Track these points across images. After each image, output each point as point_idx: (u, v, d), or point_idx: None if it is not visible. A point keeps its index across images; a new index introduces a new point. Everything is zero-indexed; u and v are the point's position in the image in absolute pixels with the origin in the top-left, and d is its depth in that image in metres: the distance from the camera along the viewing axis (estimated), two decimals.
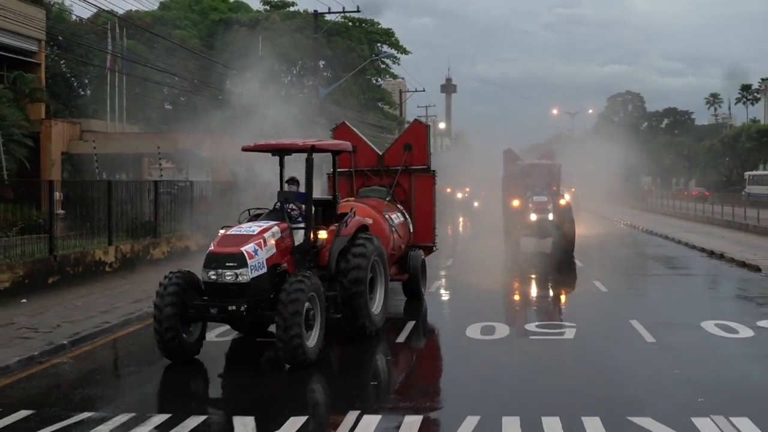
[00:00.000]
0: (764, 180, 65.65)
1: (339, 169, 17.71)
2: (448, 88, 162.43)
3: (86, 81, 50.12)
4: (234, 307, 11.72)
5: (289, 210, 13.20)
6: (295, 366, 11.30)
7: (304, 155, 13.37)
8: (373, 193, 17.75)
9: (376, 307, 13.91)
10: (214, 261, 11.89)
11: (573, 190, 39.61)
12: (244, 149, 14.28)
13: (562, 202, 27.07)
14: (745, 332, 13.57)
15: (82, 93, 50.65)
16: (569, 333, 13.87)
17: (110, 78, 40.05)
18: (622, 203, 65.93)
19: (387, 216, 16.42)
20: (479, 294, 18.47)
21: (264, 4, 52.64)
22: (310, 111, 36.92)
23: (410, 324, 14.87)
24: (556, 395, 10.07)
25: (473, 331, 13.80)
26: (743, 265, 22.87)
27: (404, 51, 55.97)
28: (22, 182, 27.03)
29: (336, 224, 13.46)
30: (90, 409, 9.76)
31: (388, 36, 54.72)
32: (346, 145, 14.91)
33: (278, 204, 13.41)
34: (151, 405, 10.12)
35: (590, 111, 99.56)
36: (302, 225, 13.03)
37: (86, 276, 19.73)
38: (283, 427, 8.77)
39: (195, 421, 9.10)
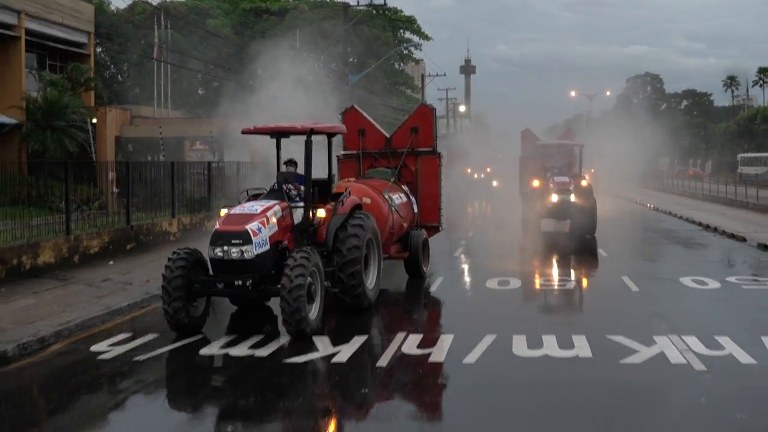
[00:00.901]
0: (754, 162, 69.87)
1: (348, 152, 19.37)
2: (468, 69, 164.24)
3: (124, 68, 53.58)
4: (240, 282, 12.61)
5: (287, 190, 14.05)
6: (297, 337, 12.24)
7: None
8: (377, 175, 18.64)
9: (371, 282, 14.85)
10: (221, 239, 12.73)
11: (592, 171, 41.24)
12: (244, 132, 15.10)
13: (584, 183, 27.24)
14: (714, 284, 16.83)
15: (120, 80, 54.13)
16: (570, 285, 17.24)
17: (153, 66, 43.55)
18: (639, 184, 68.88)
19: (387, 196, 17.18)
20: (496, 259, 21.66)
21: None
22: (340, 96, 40.17)
23: (439, 279, 18.22)
24: (554, 322, 13.40)
25: (492, 284, 17.13)
26: (732, 236, 26.08)
27: (426, 37, 59.25)
28: (86, 163, 30.49)
29: (332, 203, 14.35)
30: (200, 333, 13.14)
31: (410, 23, 57.95)
32: (342, 128, 16.12)
33: (276, 184, 14.29)
34: (246, 331, 13.45)
35: (608, 93, 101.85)
36: (301, 204, 13.90)
37: (156, 243, 23.13)
38: (350, 342, 12.09)
39: (283, 340, 12.44)
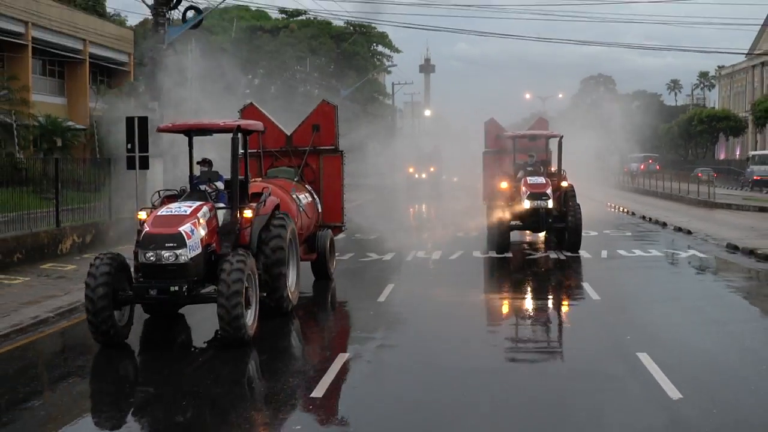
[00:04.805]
0: (635, 159, 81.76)
1: (248, 151, 18.37)
2: (427, 68, 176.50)
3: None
4: (176, 288, 12.38)
5: (206, 190, 14.09)
6: (234, 345, 12.57)
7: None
8: (281, 174, 18.71)
9: (291, 284, 15.12)
10: (153, 242, 12.43)
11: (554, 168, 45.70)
12: (160, 130, 15.79)
13: (565, 184, 24.40)
14: (593, 233, 29.47)
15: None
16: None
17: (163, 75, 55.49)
18: (588, 179, 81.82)
19: (294, 196, 17.35)
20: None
21: (281, 13, 68.06)
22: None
23: (425, 233, 30.67)
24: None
25: (459, 233, 29.68)
26: (627, 212, 39.21)
27: (396, 50, 72.15)
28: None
29: (252, 204, 14.40)
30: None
31: (382, 38, 70.63)
32: (261, 125, 16.23)
33: (193, 185, 14.45)
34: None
35: (560, 96, 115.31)
36: (221, 205, 13.96)
37: None
38: (387, 254, 24.31)
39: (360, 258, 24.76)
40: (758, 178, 58.37)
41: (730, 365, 11.97)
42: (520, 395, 10.76)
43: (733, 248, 24.46)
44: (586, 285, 18.35)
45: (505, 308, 17.42)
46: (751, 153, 70.53)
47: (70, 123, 41.20)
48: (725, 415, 9.76)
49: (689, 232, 29.25)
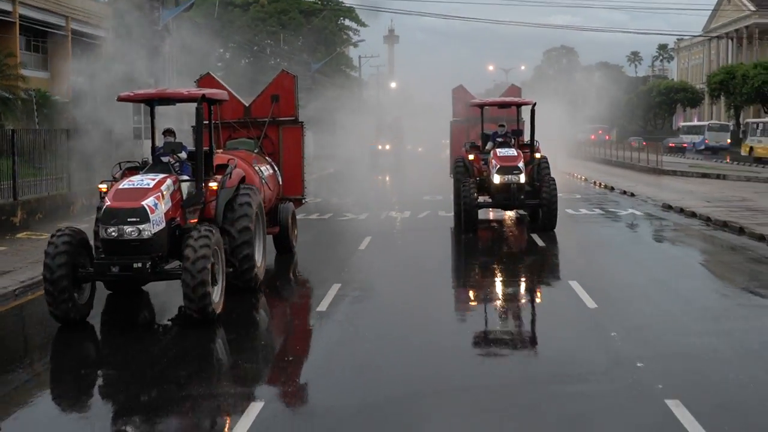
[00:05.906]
0: (585, 130, 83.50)
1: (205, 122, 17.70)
2: (391, 38, 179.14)
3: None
4: (139, 264, 12.10)
5: (170, 162, 13.89)
6: (202, 321, 12.32)
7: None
8: (241, 146, 18.50)
9: (258, 259, 14.97)
10: (114, 217, 12.11)
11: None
12: (121, 99, 14.59)
13: (538, 155, 23.15)
14: None
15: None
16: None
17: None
18: (550, 150, 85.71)
19: (257, 168, 17.18)
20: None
21: None
22: (302, 79, 55.58)
23: (397, 194, 34.20)
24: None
25: (426, 198, 33.25)
26: (581, 179, 42.95)
27: (362, 24, 75.40)
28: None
29: (218, 176, 14.11)
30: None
31: (349, 12, 73.86)
32: (226, 95, 15.85)
33: (156, 156, 14.18)
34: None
35: (522, 68, 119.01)
36: (185, 177, 13.68)
37: None
38: (361, 214, 27.85)
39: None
40: (672, 145, 73.27)
41: (640, 288, 15.60)
42: (474, 289, 15.72)
43: (667, 207, 28.39)
44: (534, 236, 21.95)
45: (464, 248, 21.45)
46: (681, 124, 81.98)
47: (56, 97, 44.01)
48: (625, 318, 13.33)
49: (632, 195, 33.17)
